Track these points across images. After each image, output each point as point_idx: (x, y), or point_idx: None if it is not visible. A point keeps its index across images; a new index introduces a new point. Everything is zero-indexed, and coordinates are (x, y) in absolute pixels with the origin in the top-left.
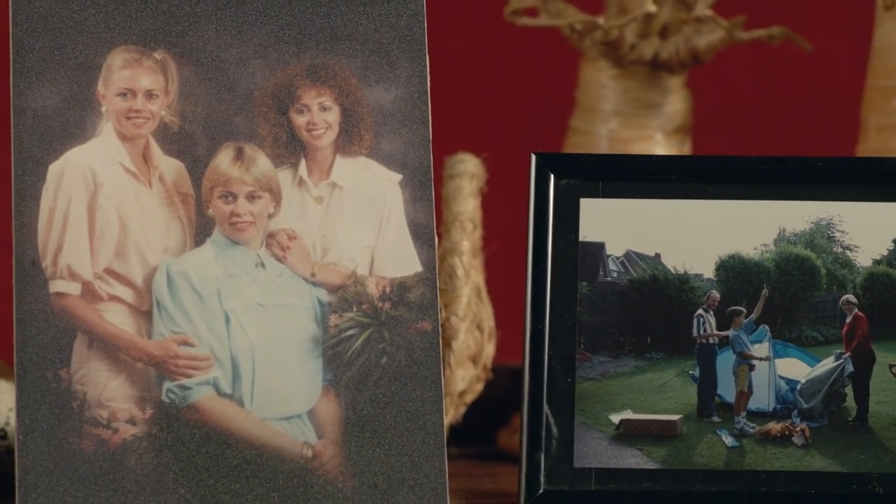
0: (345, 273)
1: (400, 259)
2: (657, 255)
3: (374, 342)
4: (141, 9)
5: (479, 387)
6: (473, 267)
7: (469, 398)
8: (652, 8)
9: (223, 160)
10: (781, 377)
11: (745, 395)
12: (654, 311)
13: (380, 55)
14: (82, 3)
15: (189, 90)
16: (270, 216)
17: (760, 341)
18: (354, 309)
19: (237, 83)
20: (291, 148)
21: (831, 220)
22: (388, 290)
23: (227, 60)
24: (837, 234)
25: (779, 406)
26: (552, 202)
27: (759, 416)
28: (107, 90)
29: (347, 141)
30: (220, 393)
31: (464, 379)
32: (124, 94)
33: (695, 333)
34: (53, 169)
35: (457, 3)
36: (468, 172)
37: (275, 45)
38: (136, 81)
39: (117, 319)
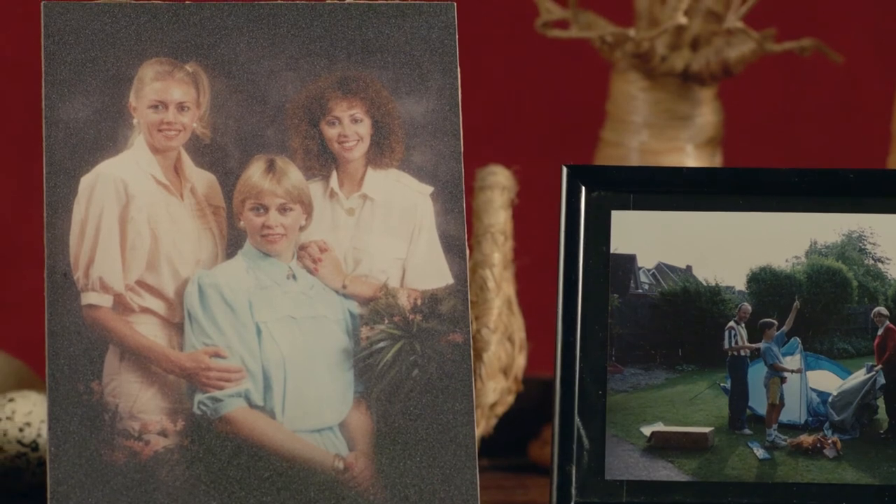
0: (376, 285)
1: (431, 271)
2: (688, 268)
3: (405, 354)
4: (172, 21)
5: (510, 399)
6: (504, 279)
7: (500, 410)
8: (683, 20)
9: (254, 172)
10: (813, 389)
11: (776, 407)
12: (686, 324)
13: (411, 67)
14: (114, 16)
15: (220, 102)
16: (302, 228)
17: (792, 353)
18: (386, 321)
19: (268, 95)
20: (323, 160)
21: (863, 232)
22: (419, 302)
23: (259, 73)
24: (869, 247)
25: (810, 418)
26: (583, 214)
27: (790, 428)
28: (138, 102)
29: (379, 153)
30: (251, 405)
31: (495, 391)
32: (156, 107)
33: (726, 346)
34: (85, 181)
35: (488, 15)
36: (499, 184)
37: (306, 58)
38: (167, 94)
39: (149, 331)
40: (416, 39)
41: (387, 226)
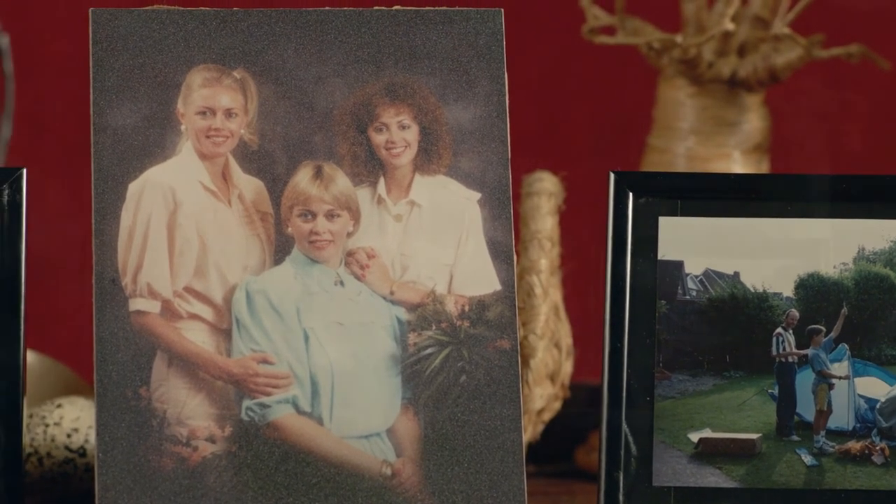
0: (423, 291)
1: (479, 277)
2: (736, 274)
3: (452, 360)
4: (220, 28)
5: (558, 405)
6: (552, 285)
7: (547, 416)
8: (730, 26)
9: (302, 179)
10: (861, 396)
11: (824, 413)
12: (733, 330)
13: (458, 73)
14: (162, 22)
15: (268, 109)
16: (349, 234)
17: (840, 360)
18: (433, 327)
19: (316, 102)
20: (370, 166)
21: None
22: (466, 308)
23: (307, 79)
24: None
25: (858, 425)
26: (630, 220)
27: (838, 434)
28: (186, 109)
29: (426, 159)
30: (299, 411)
31: (542, 397)
32: (204, 113)
33: (774, 352)
34: (133, 187)
35: (535, 21)
36: (546, 191)
37: (354, 64)
38: (215, 100)
39: (197, 338)
40: (464, 46)
41: (434, 232)
